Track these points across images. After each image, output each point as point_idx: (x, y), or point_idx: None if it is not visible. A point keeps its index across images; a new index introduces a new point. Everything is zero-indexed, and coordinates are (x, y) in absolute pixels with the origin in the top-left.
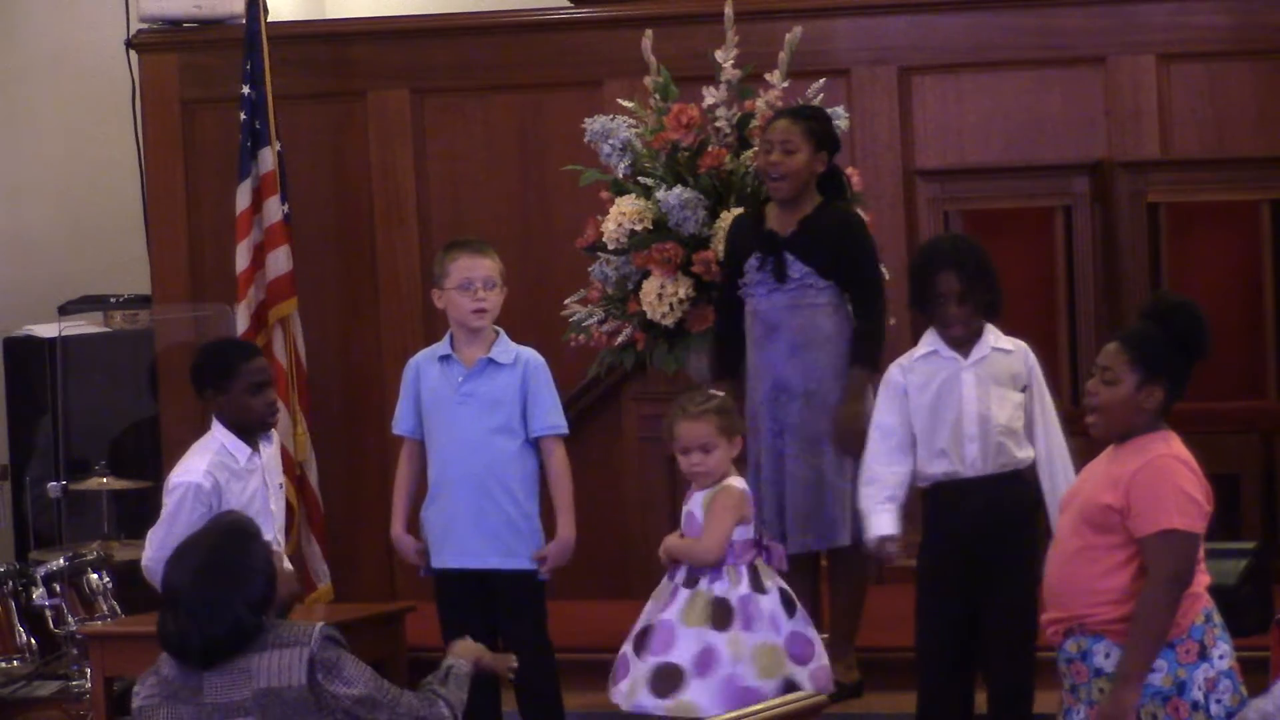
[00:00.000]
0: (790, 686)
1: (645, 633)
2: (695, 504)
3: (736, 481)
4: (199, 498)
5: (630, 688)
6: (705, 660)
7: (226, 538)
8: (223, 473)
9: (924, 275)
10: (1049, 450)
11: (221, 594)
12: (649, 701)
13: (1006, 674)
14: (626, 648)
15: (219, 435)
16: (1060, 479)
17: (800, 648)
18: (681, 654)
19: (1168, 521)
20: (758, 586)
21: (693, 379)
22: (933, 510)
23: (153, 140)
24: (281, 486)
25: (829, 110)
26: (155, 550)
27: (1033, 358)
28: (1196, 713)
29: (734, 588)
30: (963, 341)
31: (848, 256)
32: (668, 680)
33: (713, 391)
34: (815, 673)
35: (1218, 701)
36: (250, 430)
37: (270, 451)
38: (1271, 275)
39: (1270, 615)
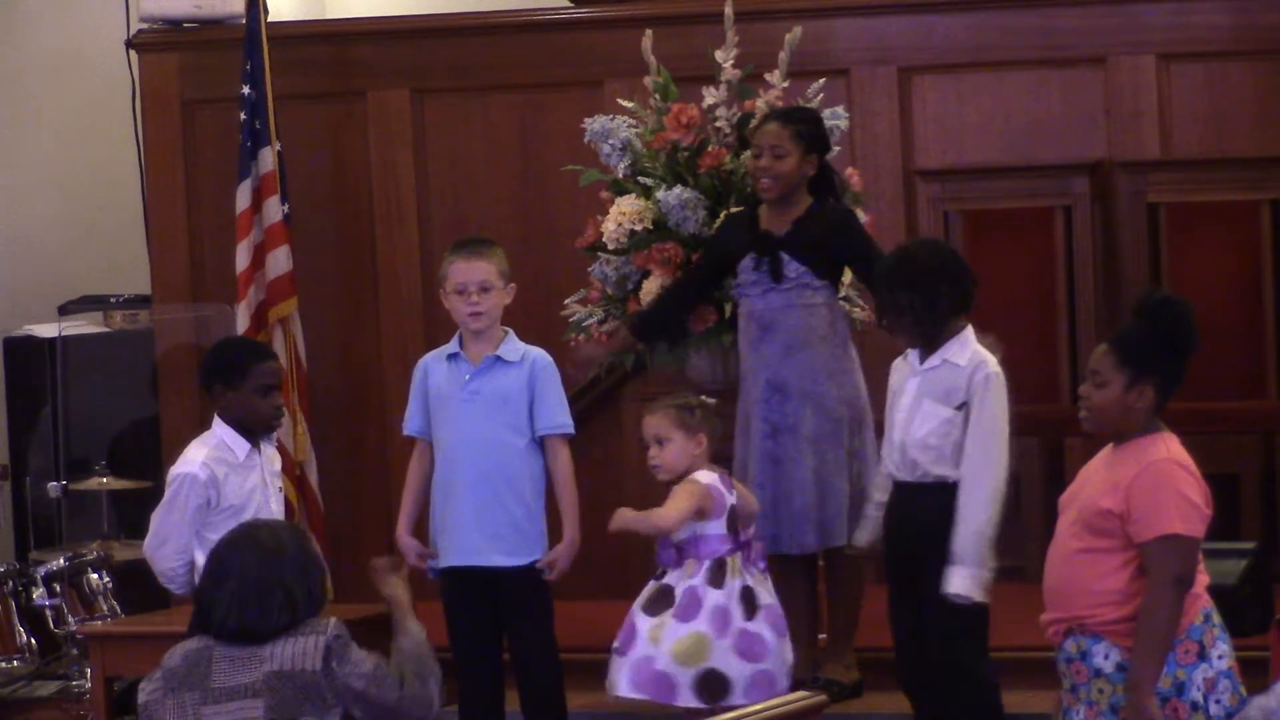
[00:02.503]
0: (711, 678)
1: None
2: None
3: (703, 475)
4: (194, 488)
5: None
6: (627, 640)
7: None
8: (220, 466)
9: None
10: (966, 473)
11: (310, 589)
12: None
13: (943, 680)
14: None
15: (219, 430)
16: (966, 506)
17: (750, 646)
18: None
19: (1169, 527)
20: (715, 581)
21: (692, 379)
22: (887, 510)
23: (153, 140)
24: (280, 490)
25: (829, 110)
26: (152, 536)
27: (984, 375)
28: (1196, 713)
29: (685, 579)
30: (925, 348)
31: (849, 253)
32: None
33: (701, 397)
34: (755, 675)
35: (1217, 702)
36: (252, 430)
37: (270, 453)
38: (1271, 275)
39: (1270, 615)
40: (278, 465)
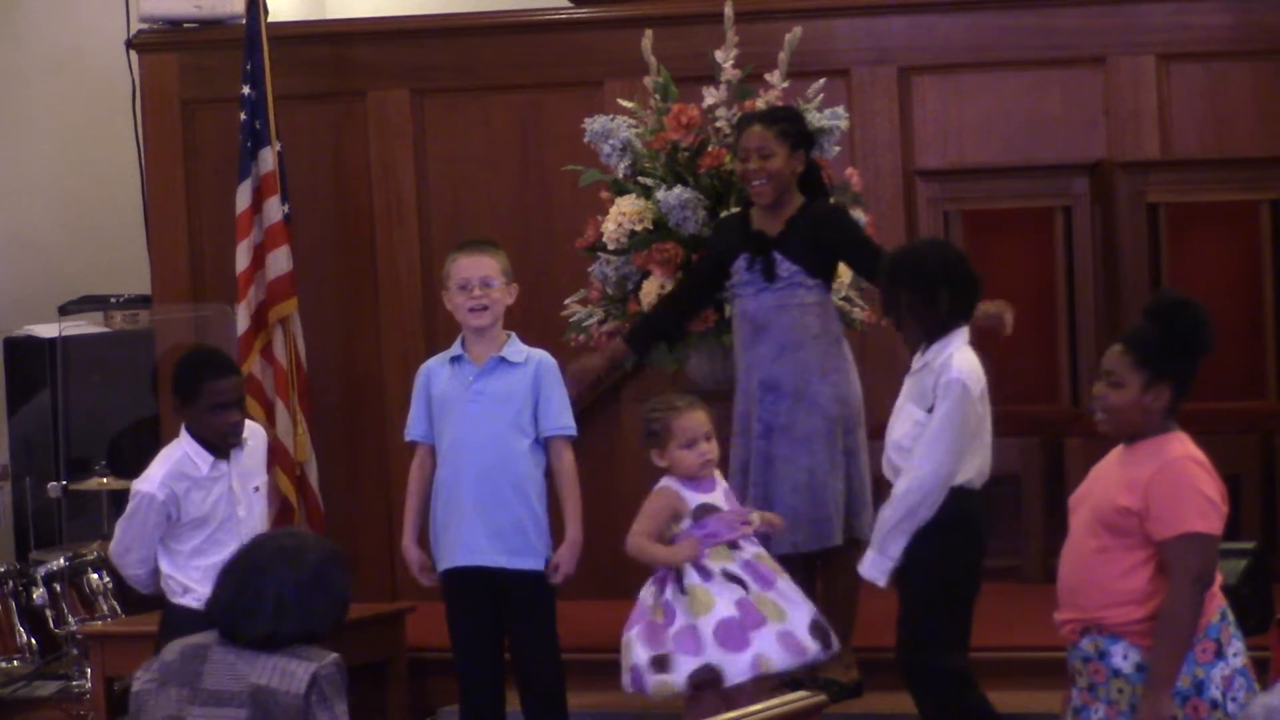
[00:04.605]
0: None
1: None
2: (723, 493)
3: (665, 481)
4: (152, 507)
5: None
6: (751, 617)
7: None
8: (180, 483)
9: None
10: (906, 466)
11: (308, 610)
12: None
13: (909, 679)
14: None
15: (184, 444)
16: (895, 496)
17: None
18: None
19: (1189, 525)
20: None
21: (692, 379)
22: None
23: (153, 140)
24: (258, 490)
25: (829, 110)
26: (116, 543)
27: (946, 380)
28: (1215, 711)
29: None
30: (918, 350)
31: (841, 247)
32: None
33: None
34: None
35: (1234, 700)
36: (213, 445)
37: (243, 455)
38: (1271, 275)
39: (1270, 615)
40: (255, 460)
